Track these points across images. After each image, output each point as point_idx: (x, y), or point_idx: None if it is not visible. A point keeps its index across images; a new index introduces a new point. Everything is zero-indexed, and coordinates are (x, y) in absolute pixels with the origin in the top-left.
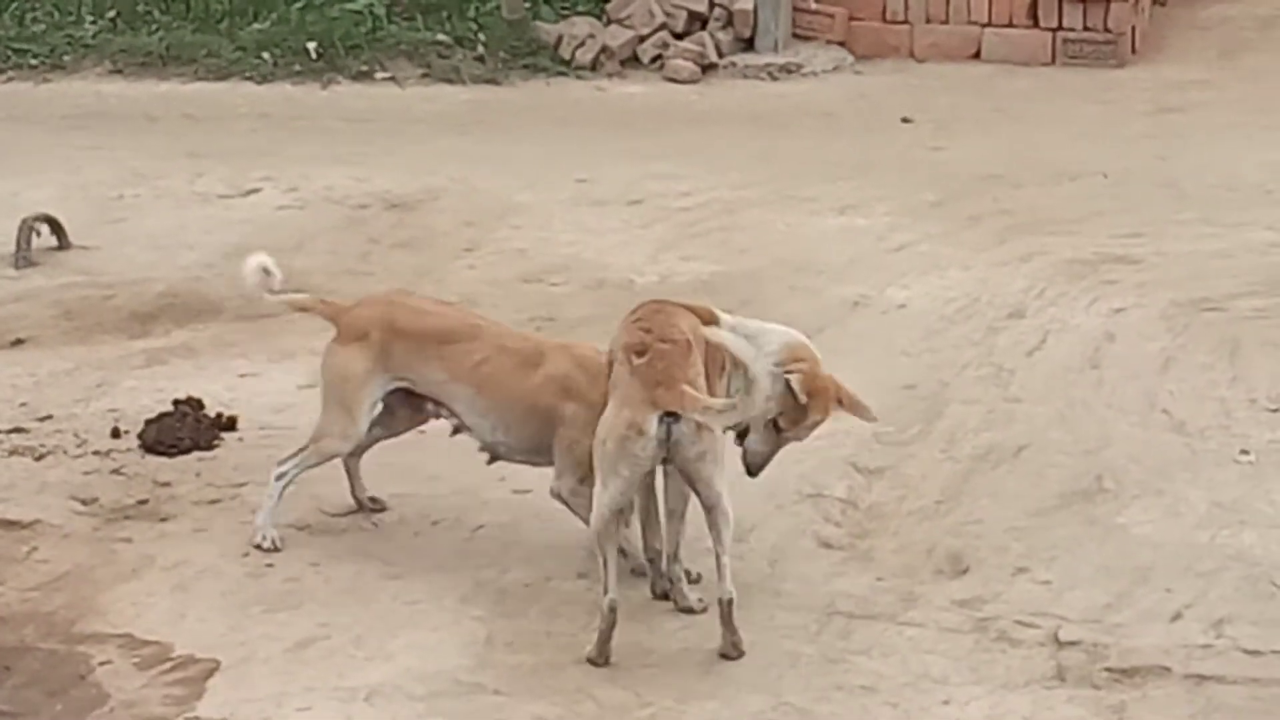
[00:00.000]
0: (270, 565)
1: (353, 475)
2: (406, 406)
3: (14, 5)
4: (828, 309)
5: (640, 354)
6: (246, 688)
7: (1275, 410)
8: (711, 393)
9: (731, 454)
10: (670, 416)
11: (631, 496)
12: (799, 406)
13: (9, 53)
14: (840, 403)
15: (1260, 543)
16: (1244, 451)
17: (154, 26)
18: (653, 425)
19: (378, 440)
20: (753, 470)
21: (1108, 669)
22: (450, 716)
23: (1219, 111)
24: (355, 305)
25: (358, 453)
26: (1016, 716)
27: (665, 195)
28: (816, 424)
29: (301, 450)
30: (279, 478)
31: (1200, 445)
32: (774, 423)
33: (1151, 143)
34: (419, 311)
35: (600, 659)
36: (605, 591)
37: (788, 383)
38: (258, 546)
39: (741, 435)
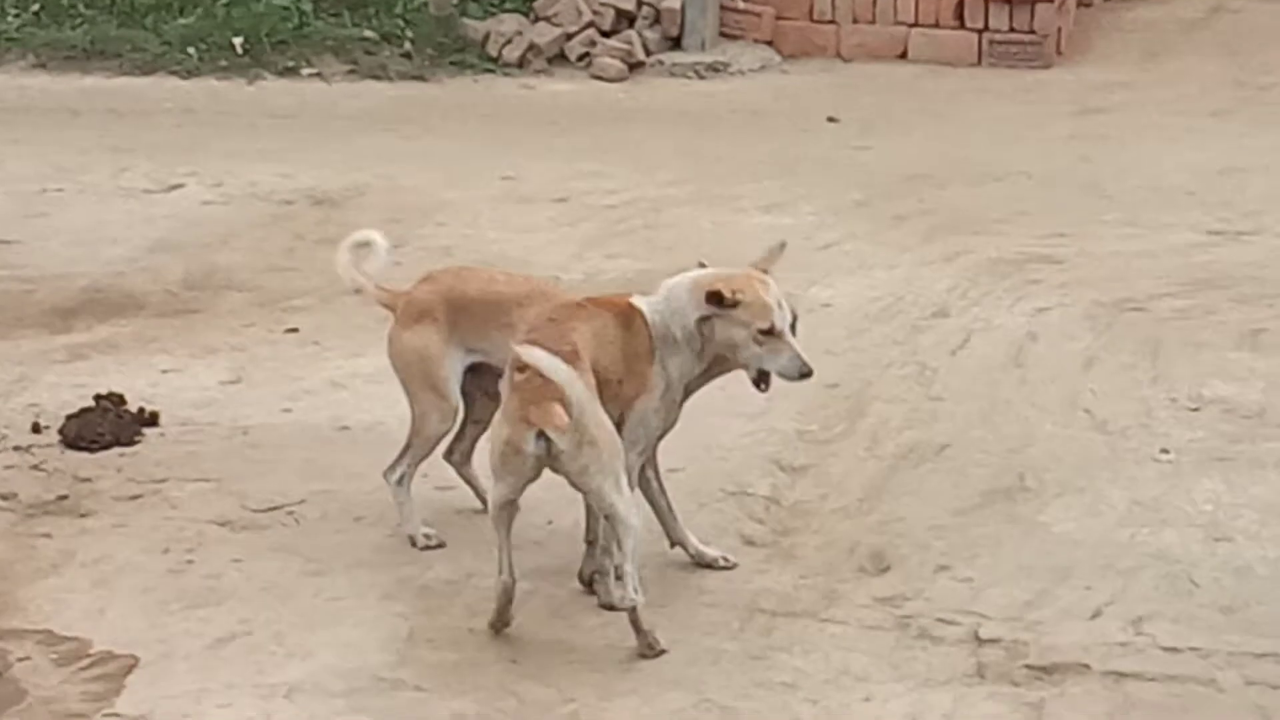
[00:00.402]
0: (191, 561)
1: (473, 482)
2: (479, 389)
3: None
4: None
5: (521, 370)
6: (166, 684)
7: (1195, 410)
8: (645, 378)
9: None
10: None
11: (520, 493)
12: (738, 320)
13: None
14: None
15: (1179, 541)
16: (1164, 450)
17: (78, 20)
18: (529, 443)
19: (475, 438)
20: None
21: (1027, 666)
22: (371, 713)
23: (1142, 113)
24: (413, 286)
25: (465, 459)
26: (936, 714)
27: (591, 193)
28: (768, 320)
29: (406, 448)
30: (398, 481)
31: (1121, 444)
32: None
33: (1076, 144)
34: (486, 279)
35: (497, 626)
36: (499, 572)
37: (711, 295)
38: (425, 547)
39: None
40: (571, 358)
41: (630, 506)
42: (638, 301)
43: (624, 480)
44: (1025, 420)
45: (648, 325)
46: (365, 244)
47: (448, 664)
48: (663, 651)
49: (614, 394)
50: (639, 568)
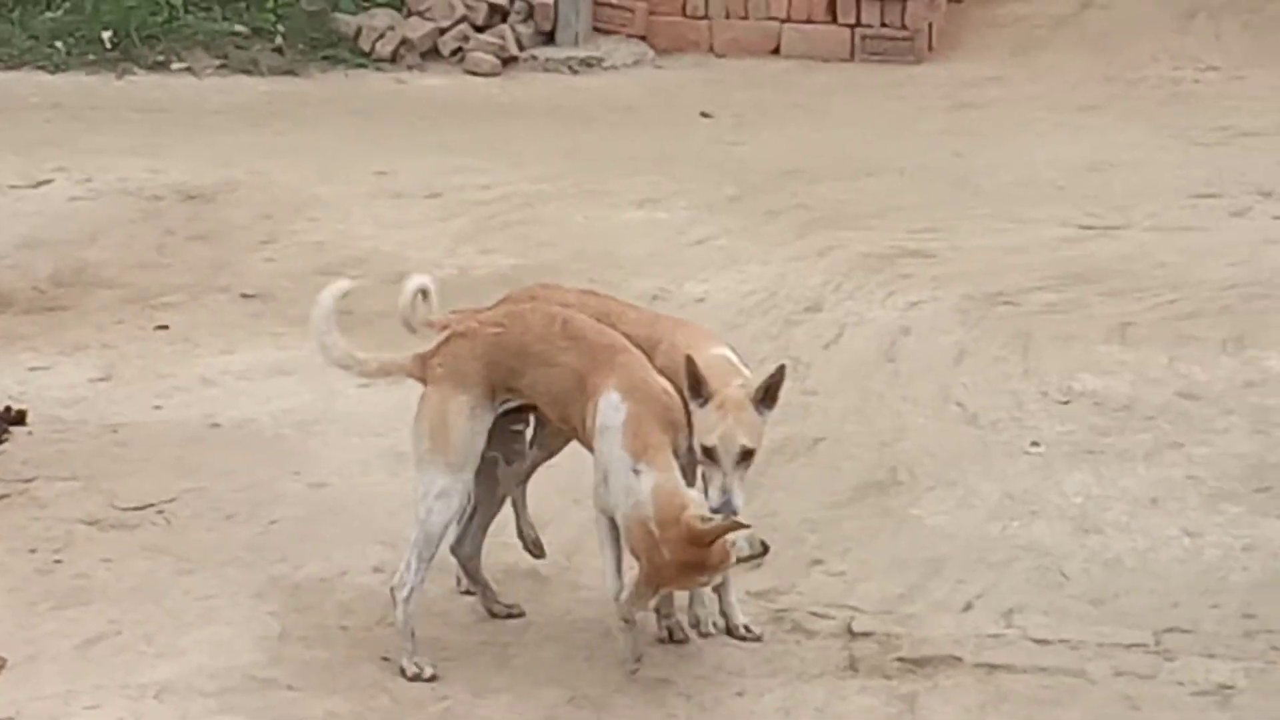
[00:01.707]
0: (59, 561)
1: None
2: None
3: None
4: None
5: None
6: (33, 686)
7: (1065, 403)
8: None
9: None
10: None
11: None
12: None
13: None
14: None
15: (1050, 533)
16: (1035, 443)
17: None
18: None
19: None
20: None
21: (900, 659)
22: (243, 713)
23: (1013, 108)
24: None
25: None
26: (809, 707)
27: (465, 188)
28: None
29: None
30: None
31: (992, 437)
32: None
33: (947, 139)
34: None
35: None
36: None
37: None
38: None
39: None
40: None
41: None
42: None
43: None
44: (897, 414)
45: None
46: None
47: (320, 662)
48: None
49: None
50: None
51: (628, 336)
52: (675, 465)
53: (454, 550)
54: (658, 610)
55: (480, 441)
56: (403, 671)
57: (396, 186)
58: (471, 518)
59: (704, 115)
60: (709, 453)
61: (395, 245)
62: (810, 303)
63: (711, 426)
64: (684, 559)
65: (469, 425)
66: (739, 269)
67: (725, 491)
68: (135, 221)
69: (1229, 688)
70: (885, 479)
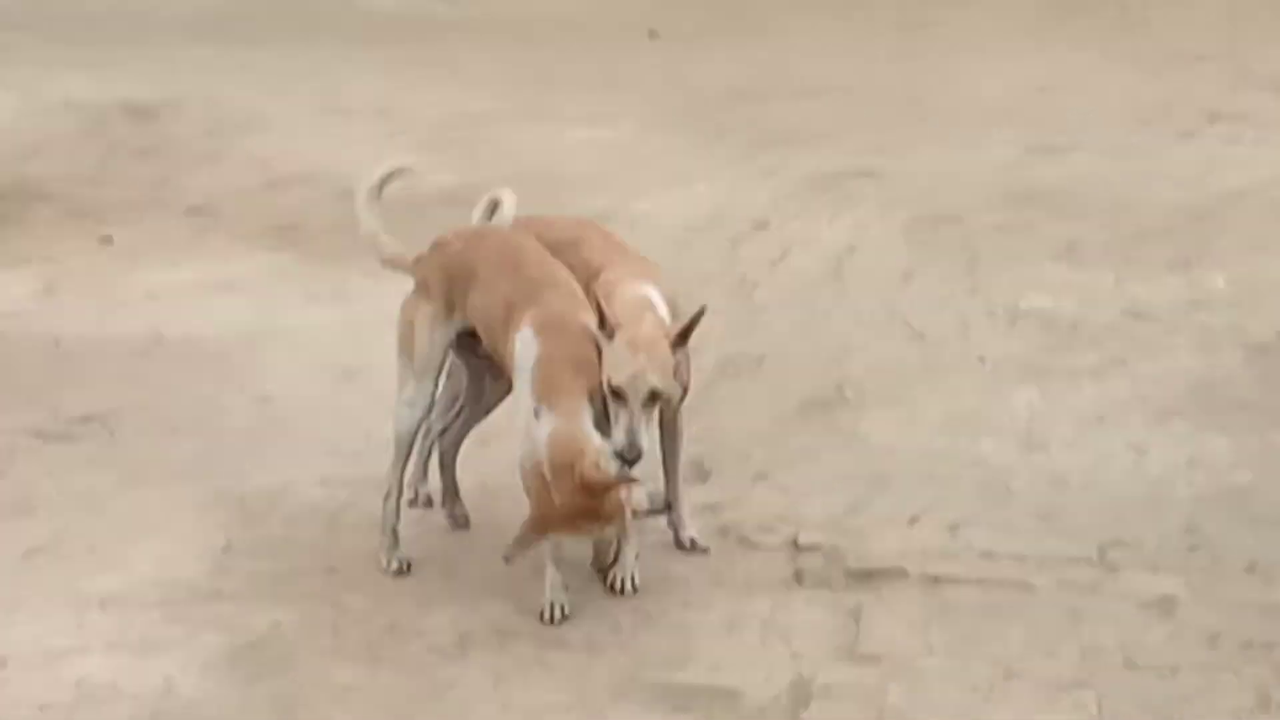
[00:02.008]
0: (2, 473)
1: None
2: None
3: None
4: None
5: None
6: None
7: (1012, 321)
8: None
9: None
10: None
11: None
12: None
13: None
14: None
15: (995, 448)
16: (981, 360)
17: None
18: None
19: None
20: None
21: (845, 572)
22: (188, 623)
23: (962, 30)
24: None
25: None
26: (755, 619)
27: (412, 106)
28: None
29: None
30: None
31: (939, 355)
32: None
33: (896, 60)
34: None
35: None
36: None
37: None
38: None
39: None
40: None
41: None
42: None
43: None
44: (844, 332)
45: None
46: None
47: (266, 574)
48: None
49: None
50: None
51: (585, 266)
52: (585, 410)
53: (439, 436)
54: (599, 568)
55: (439, 353)
56: (383, 566)
57: (343, 103)
58: (458, 414)
59: (651, 34)
60: (616, 392)
61: (341, 162)
62: (757, 221)
63: (620, 365)
64: (574, 507)
65: (429, 335)
66: (686, 188)
67: (630, 433)
68: (79, 136)
69: (1172, 600)
70: (831, 396)
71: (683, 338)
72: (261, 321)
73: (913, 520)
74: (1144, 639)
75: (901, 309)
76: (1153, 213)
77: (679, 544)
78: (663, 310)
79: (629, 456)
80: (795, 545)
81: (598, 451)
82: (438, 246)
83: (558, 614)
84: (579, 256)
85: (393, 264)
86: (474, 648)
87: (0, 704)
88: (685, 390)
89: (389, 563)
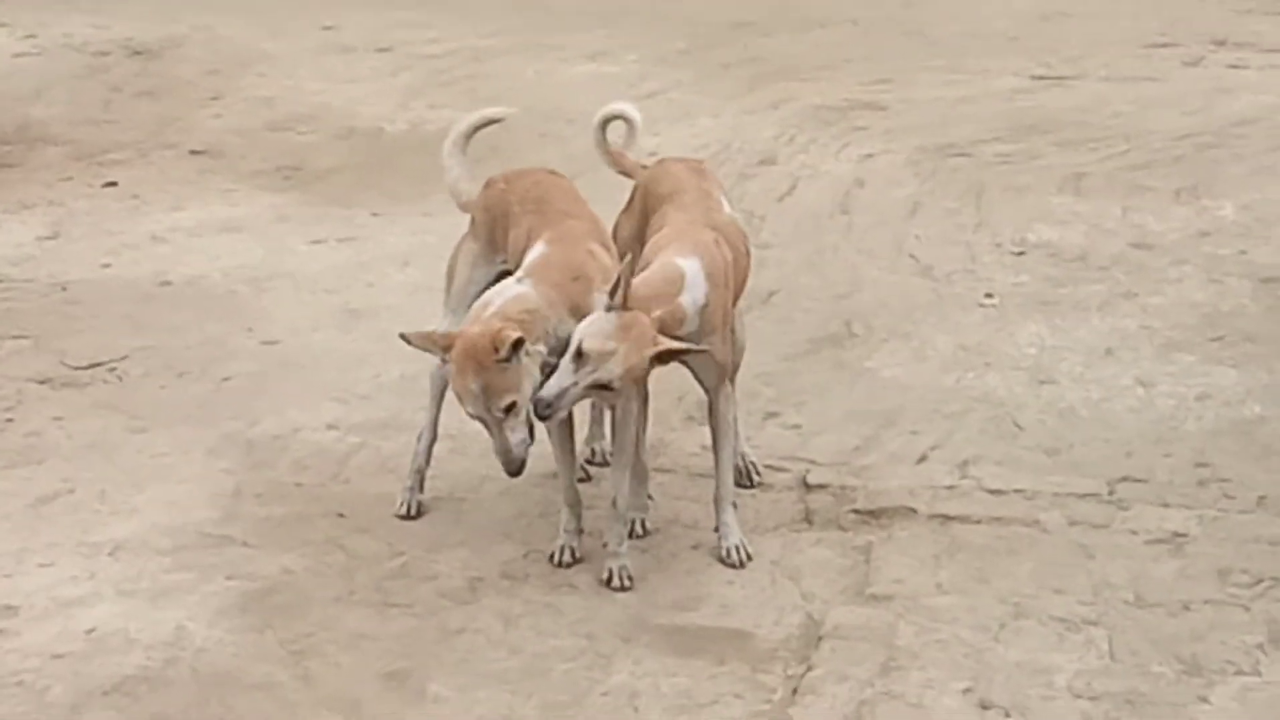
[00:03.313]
0: (10, 420)
1: None
2: None
3: None
4: (577, 157)
5: None
6: None
7: (1019, 254)
8: None
9: None
10: None
11: None
12: None
13: None
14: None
15: (1003, 384)
16: (988, 295)
17: None
18: None
19: None
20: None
21: (855, 511)
22: (197, 569)
23: None
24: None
25: None
26: (765, 560)
27: (414, 43)
28: None
29: None
30: None
31: (946, 289)
32: None
33: None
34: None
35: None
36: None
37: None
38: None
39: None
40: None
41: None
42: None
43: None
44: (851, 266)
45: None
46: (616, 118)
47: (275, 519)
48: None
49: None
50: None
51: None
52: (558, 302)
53: None
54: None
55: (474, 290)
56: (396, 506)
57: (344, 41)
58: None
59: None
60: (579, 351)
61: (345, 100)
62: (763, 156)
63: (597, 335)
64: (474, 345)
65: (468, 273)
66: (691, 122)
67: (558, 394)
68: (81, 78)
69: (1182, 535)
70: (840, 331)
71: (664, 359)
72: (267, 263)
73: (922, 458)
74: (1154, 575)
75: (908, 243)
76: (1159, 141)
77: (720, 555)
78: (696, 291)
79: (539, 410)
80: (805, 485)
81: (536, 338)
82: (486, 187)
83: (568, 557)
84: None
85: (465, 209)
86: (484, 591)
87: (12, 653)
88: (734, 366)
89: (403, 504)
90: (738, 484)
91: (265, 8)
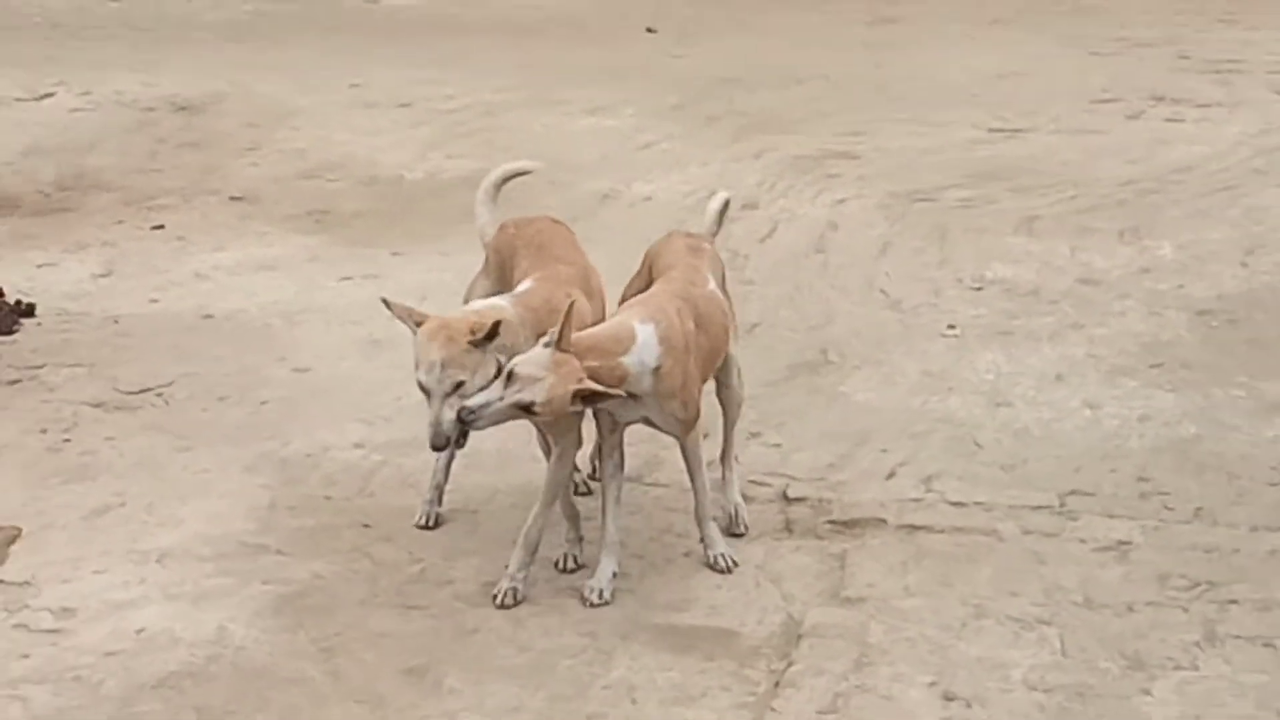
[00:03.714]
0: (68, 440)
1: None
2: None
3: None
4: (580, 201)
5: None
6: (46, 552)
7: (978, 289)
8: None
9: None
10: None
11: None
12: None
13: None
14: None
15: (964, 406)
16: (951, 326)
17: None
18: None
19: None
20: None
21: (830, 522)
22: (237, 575)
23: (928, 22)
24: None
25: None
26: (750, 565)
27: (432, 99)
28: None
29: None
30: None
31: (913, 321)
32: None
33: (869, 50)
34: None
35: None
36: None
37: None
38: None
39: None
40: None
41: None
42: None
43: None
44: (826, 300)
45: None
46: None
47: (306, 530)
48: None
49: None
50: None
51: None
52: (529, 324)
53: None
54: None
55: None
56: (416, 517)
57: (369, 97)
58: None
59: (649, 30)
60: (511, 374)
61: (369, 151)
62: (747, 200)
63: (533, 365)
64: (444, 329)
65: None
66: (682, 170)
67: (478, 400)
68: (131, 130)
69: (1126, 543)
70: (816, 359)
71: (585, 397)
72: (299, 298)
73: (891, 474)
74: (1101, 579)
75: (878, 279)
76: (1104, 187)
77: (708, 562)
78: (647, 354)
79: (463, 415)
80: (785, 498)
81: (503, 344)
82: (499, 230)
83: (570, 564)
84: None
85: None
86: None
87: (69, 651)
88: (731, 421)
89: (422, 516)
90: (730, 532)
91: (297, 67)
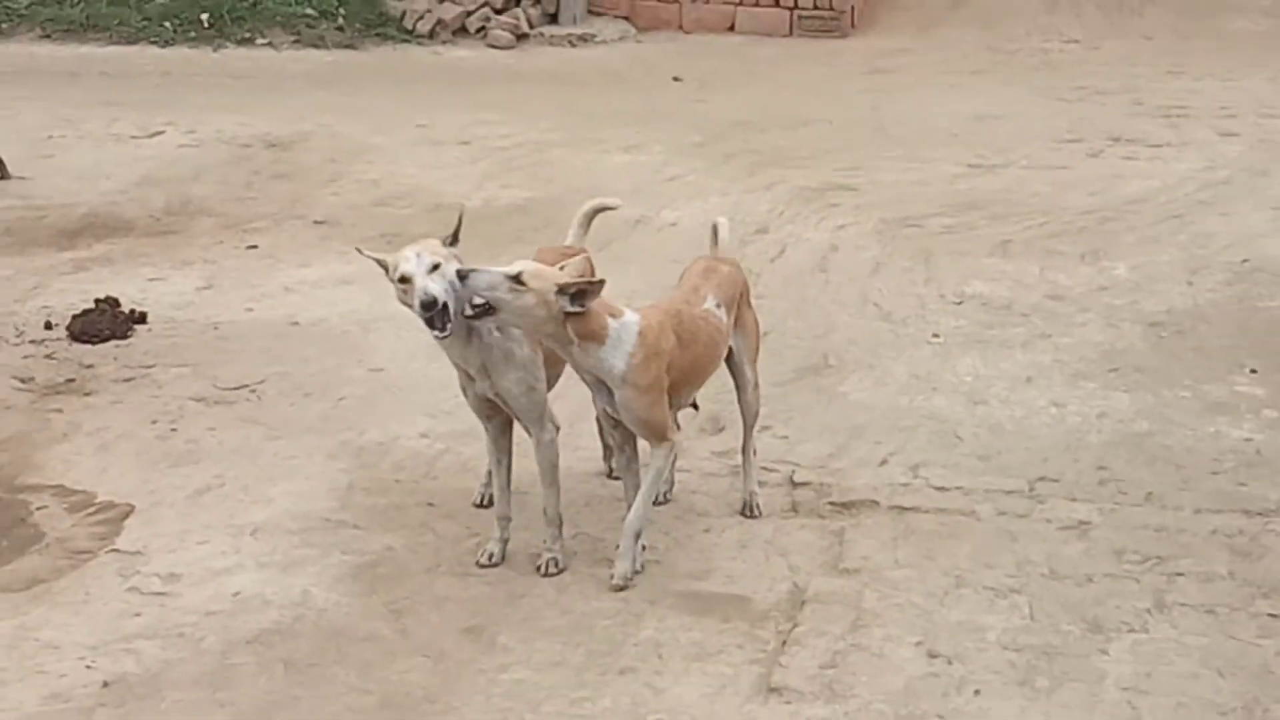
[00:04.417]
0: (174, 429)
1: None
2: None
3: None
4: (615, 227)
5: None
6: (155, 526)
7: (958, 303)
8: None
9: None
10: None
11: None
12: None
13: None
14: None
15: (947, 405)
16: (935, 335)
17: (75, 0)
18: None
19: None
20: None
21: (831, 503)
22: (319, 546)
23: (917, 73)
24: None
25: None
26: (760, 540)
27: (488, 137)
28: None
29: None
30: None
31: (902, 330)
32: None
33: (866, 96)
34: None
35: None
36: None
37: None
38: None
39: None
40: None
41: None
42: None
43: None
44: (828, 313)
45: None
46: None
47: (379, 508)
48: None
49: None
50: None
51: None
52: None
53: None
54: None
55: None
56: (474, 498)
57: (434, 136)
58: None
59: (675, 79)
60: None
61: (434, 182)
62: (759, 226)
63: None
64: (431, 242)
65: None
66: (703, 200)
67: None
68: (229, 164)
69: (1086, 523)
70: (819, 363)
71: (566, 290)
72: (373, 309)
73: (883, 462)
74: (1064, 554)
75: (873, 294)
76: (1068, 216)
77: (612, 577)
78: (626, 337)
79: (461, 272)
80: (792, 482)
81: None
82: (537, 254)
83: (552, 568)
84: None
85: None
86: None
87: (175, 611)
88: (749, 424)
89: (479, 496)
90: (747, 515)
91: (372, 110)
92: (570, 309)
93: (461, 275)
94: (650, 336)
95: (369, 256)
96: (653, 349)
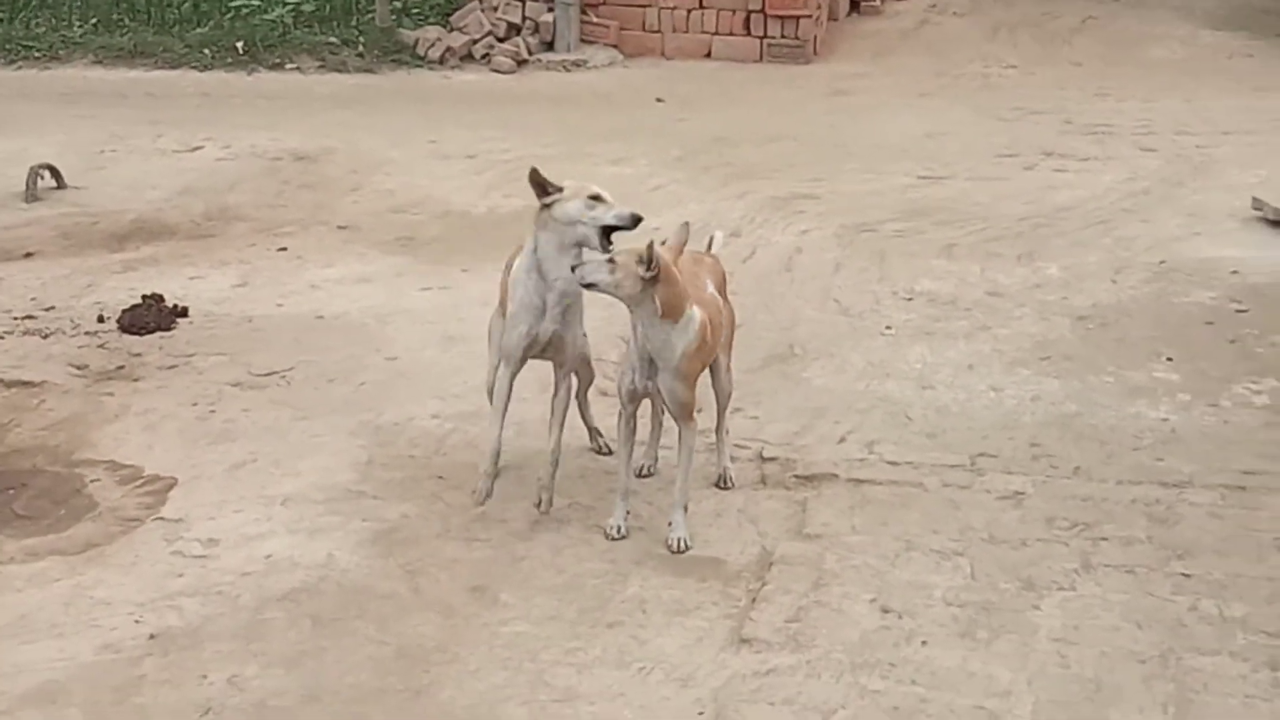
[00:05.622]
0: (213, 411)
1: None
2: None
3: (21, 13)
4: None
5: None
6: (197, 497)
7: (909, 299)
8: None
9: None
10: None
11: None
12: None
13: (19, 48)
14: None
15: (898, 389)
16: (888, 327)
17: (124, 29)
18: None
19: None
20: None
21: (795, 476)
22: (342, 514)
23: (873, 94)
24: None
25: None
26: (733, 509)
27: (492, 152)
28: (592, 189)
29: None
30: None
31: (859, 323)
32: None
33: (827, 116)
34: None
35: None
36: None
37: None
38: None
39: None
40: None
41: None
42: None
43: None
44: (793, 308)
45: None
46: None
47: (396, 480)
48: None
49: None
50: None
51: None
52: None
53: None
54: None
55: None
56: (481, 472)
57: (444, 150)
58: None
59: (658, 100)
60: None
61: (443, 191)
62: (733, 230)
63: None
64: None
65: None
66: (682, 207)
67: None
68: (262, 175)
69: (1021, 493)
70: (785, 352)
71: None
72: (389, 304)
73: (841, 440)
74: (1002, 521)
75: (833, 291)
76: (1006, 222)
77: (667, 542)
78: (694, 318)
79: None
80: (761, 457)
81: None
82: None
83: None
84: None
85: None
86: (540, 531)
87: (214, 571)
88: (722, 407)
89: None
90: (720, 486)
91: (389, 128)
92: (646, 275)
93: (573, 267)
94: (705, 332)
95: (540, 180)
96: (706, 343)
